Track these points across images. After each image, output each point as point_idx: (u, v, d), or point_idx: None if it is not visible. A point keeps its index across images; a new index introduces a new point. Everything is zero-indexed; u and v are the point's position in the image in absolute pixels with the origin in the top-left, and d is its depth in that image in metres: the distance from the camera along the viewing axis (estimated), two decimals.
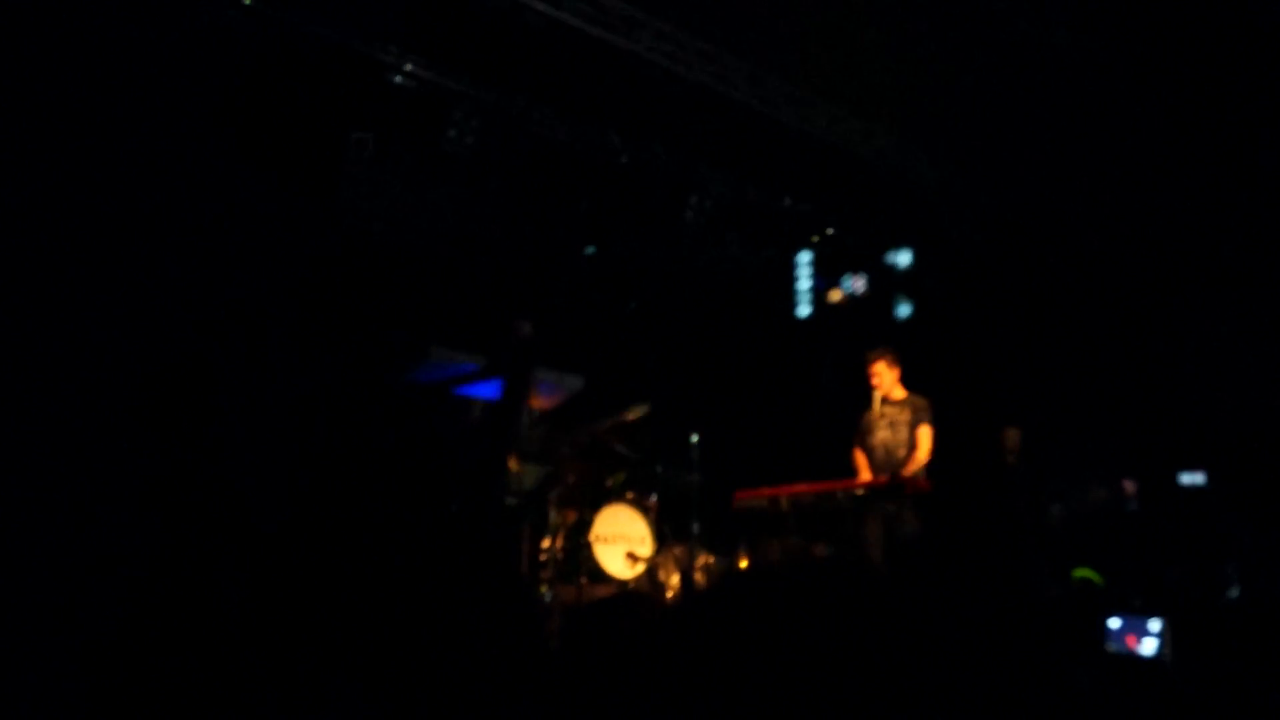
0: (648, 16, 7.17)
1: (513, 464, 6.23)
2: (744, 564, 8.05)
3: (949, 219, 8.16)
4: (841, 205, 8.41)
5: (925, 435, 6.80)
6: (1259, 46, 6.71)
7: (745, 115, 7.61)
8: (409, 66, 7.29)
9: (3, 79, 5.47)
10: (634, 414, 7.03)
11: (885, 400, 6.98)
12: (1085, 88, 7.26)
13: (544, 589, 6.79)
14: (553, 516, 7.25)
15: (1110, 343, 8.79)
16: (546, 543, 7.01)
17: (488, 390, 6.08)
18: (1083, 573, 5.35)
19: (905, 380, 7.08)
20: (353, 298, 6.57)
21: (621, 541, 7.44)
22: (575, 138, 7.75)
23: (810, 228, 8.24)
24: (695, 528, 7.17)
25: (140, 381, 5.50)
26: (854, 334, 7.34)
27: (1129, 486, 8.23)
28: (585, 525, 7.37)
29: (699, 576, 7.31)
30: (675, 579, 7.36)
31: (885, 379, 7.00)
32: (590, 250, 8.20)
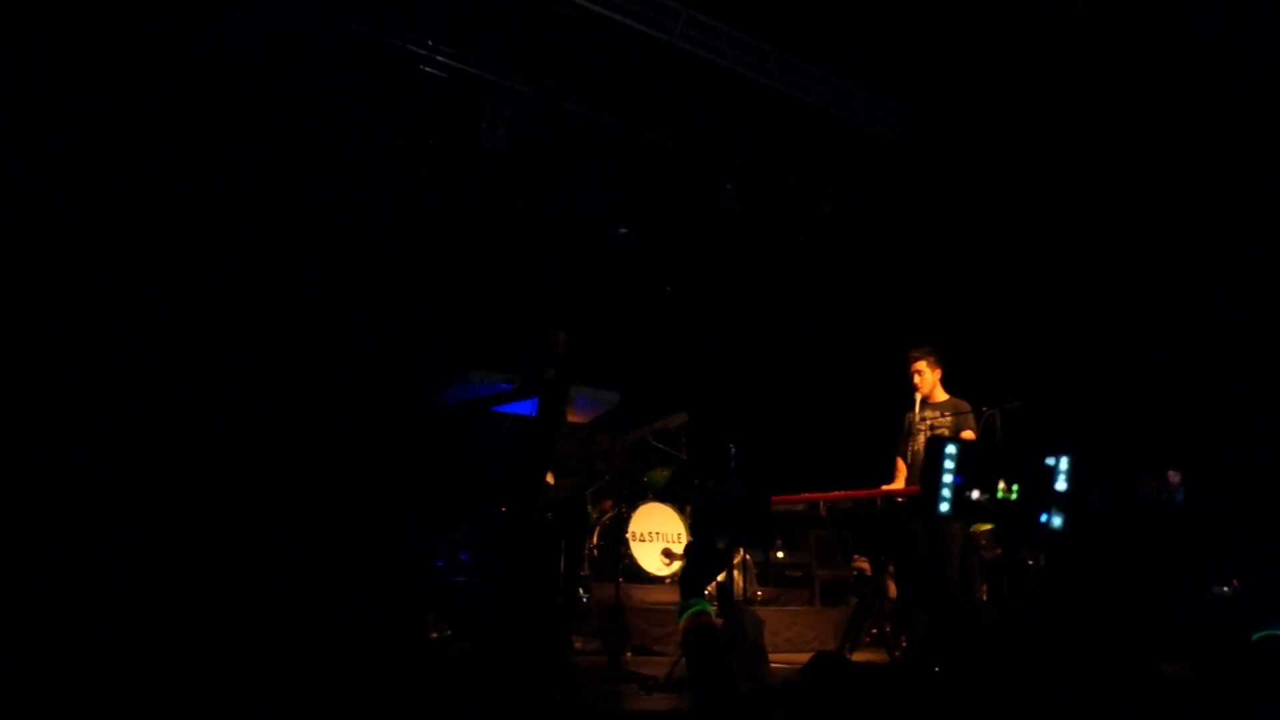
0: (680, 5, 7.18)
1: (549, 478, 6.40)
2: (781, 556, 8.34)
3: (992, 205, 8.18)
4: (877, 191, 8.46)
5: (968, 440, 6.87)
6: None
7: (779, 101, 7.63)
8: (441, 57, 7.40)
9: None
10: (674, 421, 7.19)
11: (926, 403, 6.94)
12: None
13: (581, 590, 7.07)
14: (591, 514, 7.49)
15: (1159, 323, 8.78)
16: (586, 543, 7.27)
17: (524, 409, 6.21)
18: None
19: (947, 382, 7.13)
20: (389, 310, 6.72)
21: (657, 539, 7.66)
22: (608, 127, 7.79)
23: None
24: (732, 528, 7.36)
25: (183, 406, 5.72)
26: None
27: (1174, 477, 8.26)
28: (623, 522, 7.58)
29: (736, 573, 7.52)
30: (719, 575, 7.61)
31: (926, 379, 6.94)
32: (623, 231, 8.28)
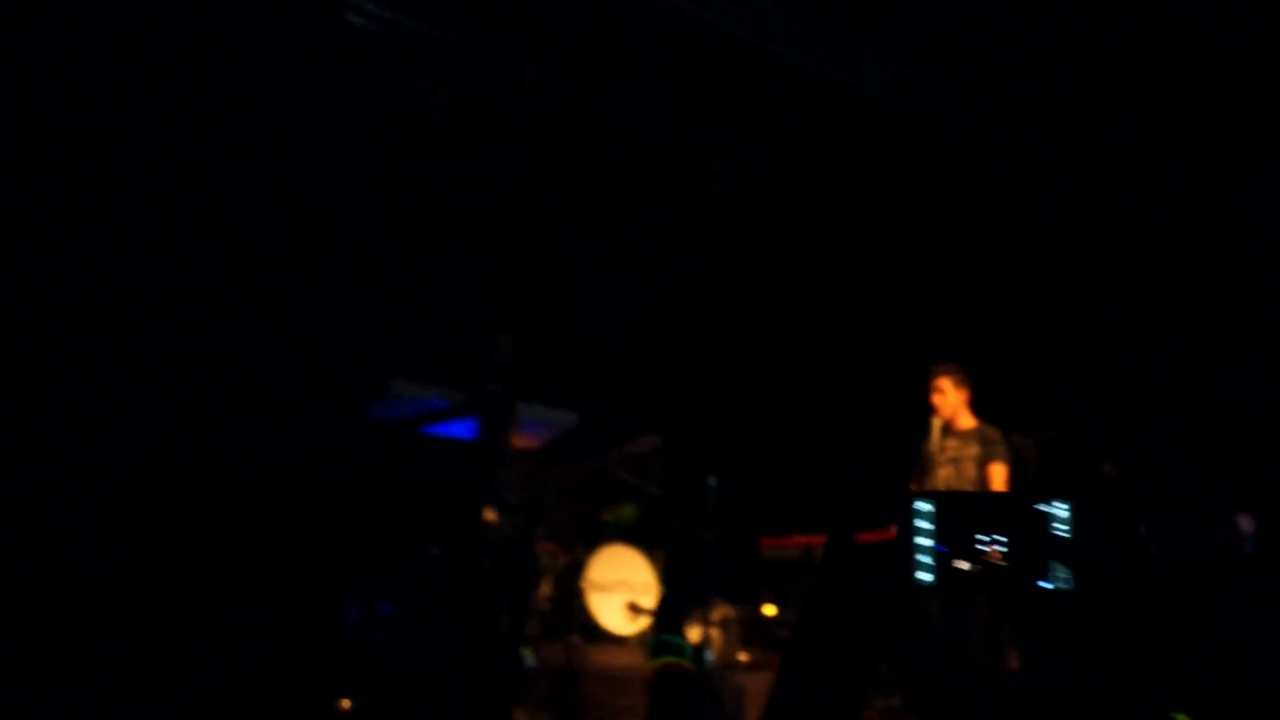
0: None
1: (489, 514, 6.14)
2: (770, 612, 8.06)
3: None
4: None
5: (998, 474, 6.59)
6: None
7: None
8: (371, 5, 7.08)
9: None
10: (643, 445, 6.98)
11: (948, 430, 6.76)
12: None
13: (527, 651, 6.79)
14: (540, 559, 7.26)
15: (1228, 334, 8.57)
16: (533, 594, 7.01)
17: (460, 430, 5.96)
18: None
19: (974, 406, 6.86)
20: (292, 307, 6.43)
21: (621, 589, 7.38)
22: (571, 98, 7.50)
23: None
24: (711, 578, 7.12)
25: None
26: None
27: (1246, 523, 8.04)
28: (579, 569, 7.35)
29: (714, 630, 7.29)
30: (693, 634, 7.32)
31: (949, 401, 6.78)
32: None
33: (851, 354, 8.95)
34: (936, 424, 6.79)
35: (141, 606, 5.21)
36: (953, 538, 1.31)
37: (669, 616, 3.31)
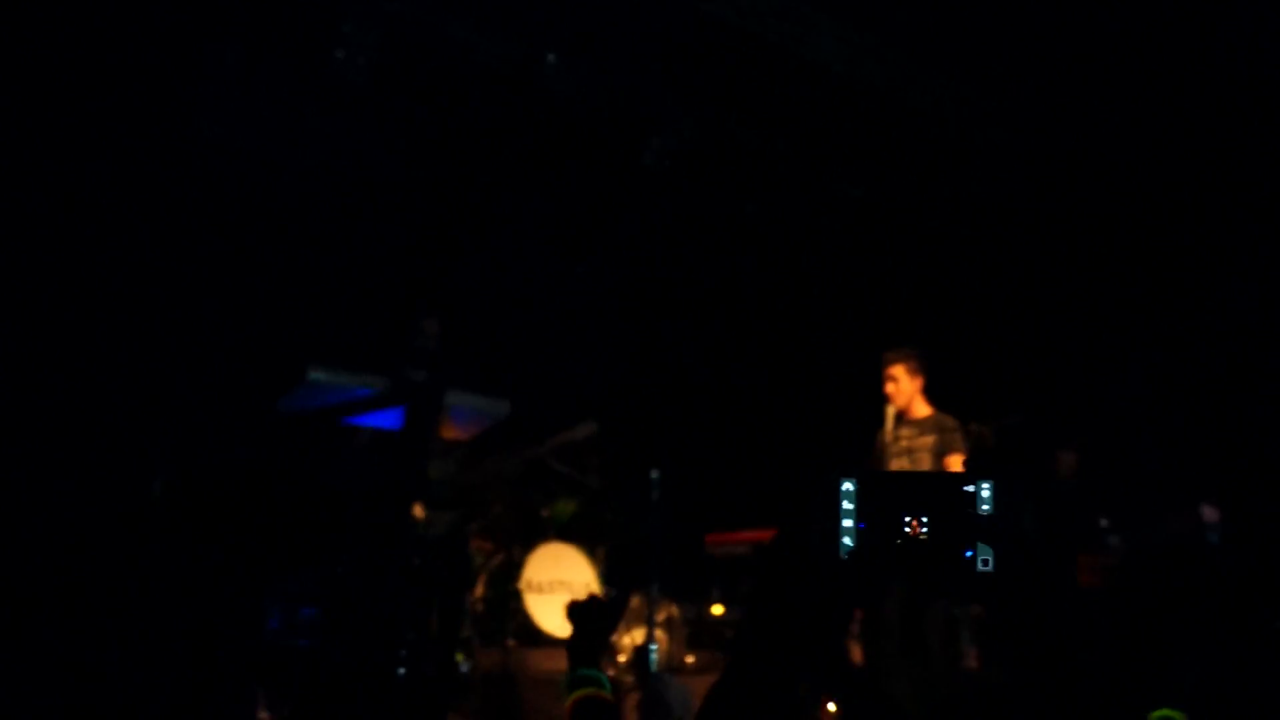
0: None
1: (418, 510, 6.10)
2: (718, 611, 8.09)
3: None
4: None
5: (955, 466, 6.66)
6: None
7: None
8: None
9: None
10: (579, 433, 6.94)
11: (903, 419, 6.80)
12: None
13: (460, 656, 6.77)
14: (474, 558, 7.22)
15: (1196, 323, 8.71)
16: (467, 596, 6.97)
17: (385, 420, 5.90)
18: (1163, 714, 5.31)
19: (930, 393, 6.91)
20: (203, 289, 6.33)
21: (561, 590, 7.40)
22: (501, 61, 7.39)
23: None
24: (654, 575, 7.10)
25: None
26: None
27: (1210, 513, 8.21)
28: (514, 569, 7.36)
29: (660, 632, 7.29)
30: (629, 638, 7.32)
31: (903, 389, 6.80)
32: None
33: (803, 338, 8.95)
34: (890, 412, 6.83)
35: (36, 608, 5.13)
36: (875, 516, 1.34)
37: (583, 650, 3.29)
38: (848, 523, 1.55)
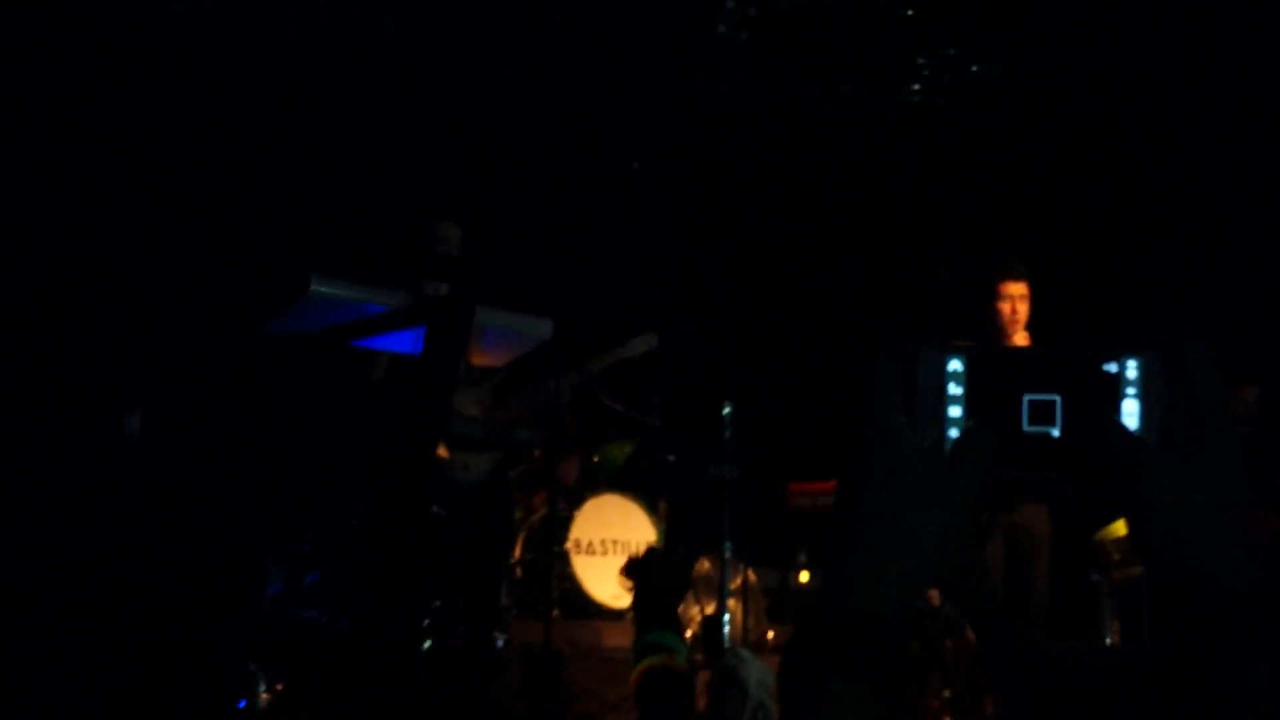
0: None
1: (442, 451, 6.18)
2: (805, 578, 8.13)
3: None
4: None
5: None
6: None
7: None
8: None
9: None
10: (637, 348, 6.95)
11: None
12: None
13: (495, 632, 6.88)
14: (514, 512, 7.29)
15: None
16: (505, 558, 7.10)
17: (402, 344, 5.95)
18: None
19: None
20: (186, 190, 6.44)
21: (615, 551, 7.50)
22: None
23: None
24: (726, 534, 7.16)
25: None
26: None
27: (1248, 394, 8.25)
28: (560, 527, 7.37)
29: (733, 602, 7.35)
30: (697, 608, 7.39)
31: (1022, 314, 6.86)
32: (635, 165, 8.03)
33: (913, 234, 8.86)
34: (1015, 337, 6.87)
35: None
36: (988, 404, 1.27)
37: (650, 611, 3.32)
38: (955, 411, 1.54)
